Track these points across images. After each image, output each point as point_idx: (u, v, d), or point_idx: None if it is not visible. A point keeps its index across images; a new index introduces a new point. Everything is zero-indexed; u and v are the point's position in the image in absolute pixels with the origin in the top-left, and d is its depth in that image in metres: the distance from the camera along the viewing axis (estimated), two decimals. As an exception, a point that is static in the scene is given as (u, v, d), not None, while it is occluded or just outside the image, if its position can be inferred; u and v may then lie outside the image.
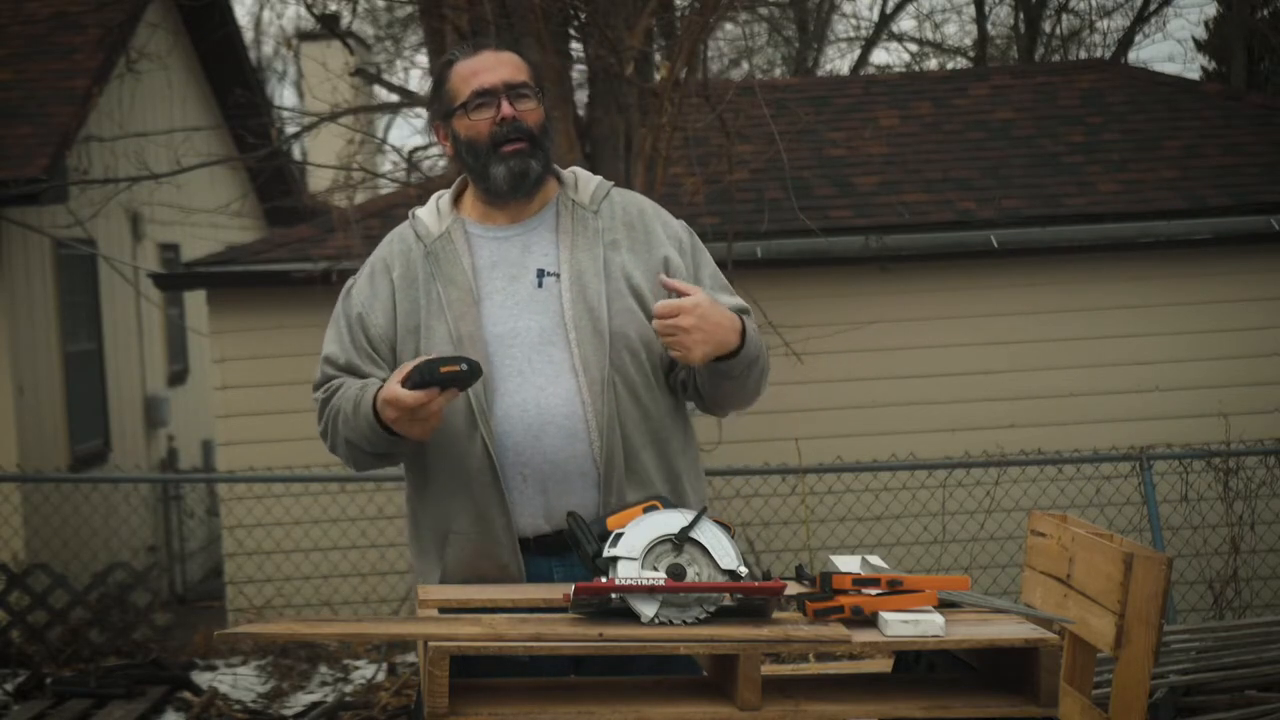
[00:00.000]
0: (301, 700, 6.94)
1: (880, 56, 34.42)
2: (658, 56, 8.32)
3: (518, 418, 2.79)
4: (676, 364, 2.86)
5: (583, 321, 2.81)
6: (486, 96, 2.85)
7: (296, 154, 17.81)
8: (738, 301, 2.92)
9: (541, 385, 2.79)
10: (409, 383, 2.65)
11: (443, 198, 2.99)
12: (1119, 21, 20.89)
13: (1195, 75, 18.21)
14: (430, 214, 2.97)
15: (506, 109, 2.84)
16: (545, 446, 2.78)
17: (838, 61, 24.62)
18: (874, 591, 2.48)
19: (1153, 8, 17.20)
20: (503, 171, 2.85)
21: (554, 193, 2.95)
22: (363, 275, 2.97)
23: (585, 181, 2.97)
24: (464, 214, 2.95)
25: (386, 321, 2.88)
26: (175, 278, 10.82)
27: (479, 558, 2.80)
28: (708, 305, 2.70)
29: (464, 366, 2.65)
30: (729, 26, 13.25)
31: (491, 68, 2.87)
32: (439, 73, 2.97)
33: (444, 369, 2.64)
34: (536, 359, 2.81)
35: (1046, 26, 17.88)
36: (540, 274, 2.87)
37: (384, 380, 2.77)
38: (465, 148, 2.89)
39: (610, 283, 2.84)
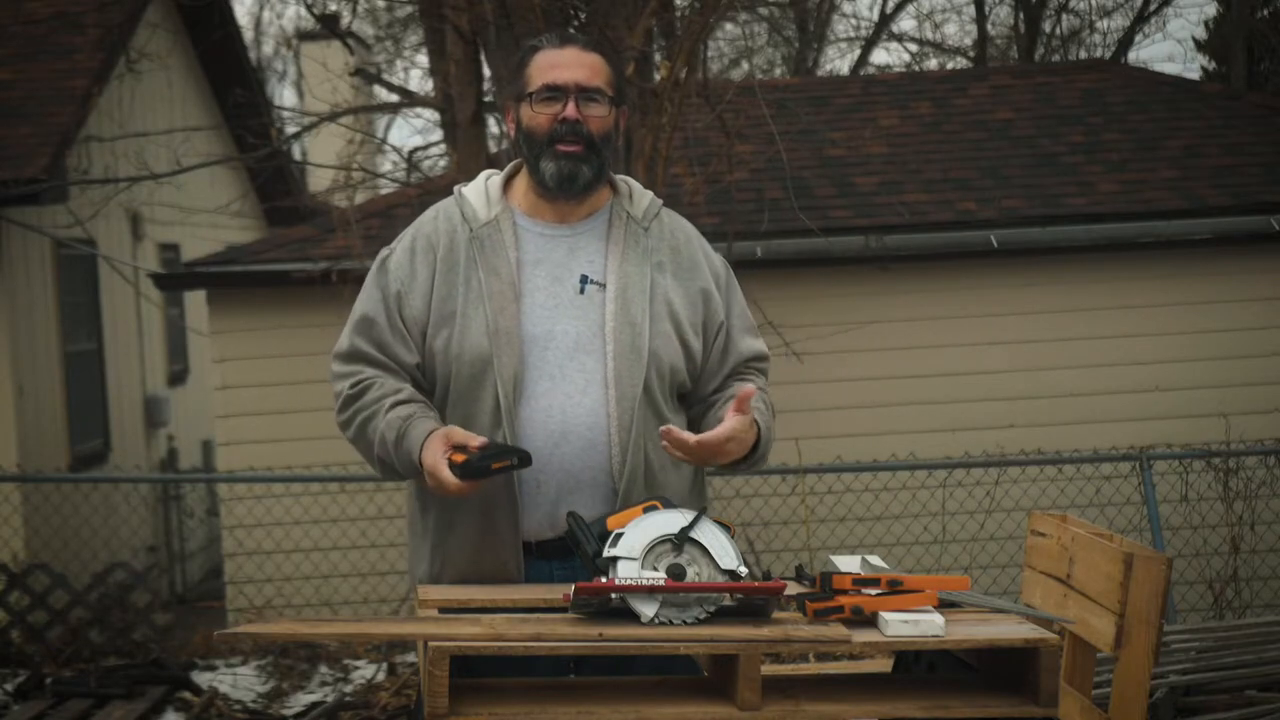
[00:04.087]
0: (301, 700, 6.93)
1: (880, 56, 34.50)
2: (658, 56, 8.31)
3: (541, 423, 2.77)
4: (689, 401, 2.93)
5: (623, 335, 2.80)
6: (556, 92, 2.82)
7: (296, 154, 17.81)
8: (760, 345, 2.96)
9: (570, 393, 2.78)
10: (459, 470, 2.64)
11: (493, 180, 2.96)
12: (1119, 21, 20.94)
13: (1195, 75, 18.21)
14: (479, 196, 2.92)
15: (571, 110, 2.81)
16: (564, 455, 2.77)
17: (838, 61, 24.66)
18: (874, 591, 2.48)
19: (1153, 8, 17.20)
20: (552, 169, 2.83)
21: (606, 199, 2.93)
22: (402, 247, 2.91)
23: (639, 196, 2.96)
24: (513, 203, 2.92)
25: (423, 304, 2.85)
26: (175, 278, 10.82)
27: (480, 553, 2.80)
28: (742, 433, 2.72)
29: (514, 461, 2.66)
30: (729, 26, 13.26)
31: (569, 64, 2.84)
32: (522, 56, 2.94)
33: (496, 465, 2.65)
34: (569, 366, 2.80)
35: (1046, 26, 17.87)
36: (584, 280, 2.85)
37: (417, 365, 2.82)
38: (524, 136, 2.87)
39: (654, 303, 2.83)
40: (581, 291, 2.84)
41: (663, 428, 2.66)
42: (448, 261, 2.85)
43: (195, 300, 11.21)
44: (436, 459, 2.67)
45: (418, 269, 2.87)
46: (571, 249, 2.87)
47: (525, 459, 2.68)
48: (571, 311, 2.82)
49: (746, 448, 2.76)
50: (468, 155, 7.80)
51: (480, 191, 2.93)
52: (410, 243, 2.91)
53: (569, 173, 2.82)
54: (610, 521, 2.56)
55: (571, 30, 7.49)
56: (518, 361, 2.77)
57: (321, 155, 13.32)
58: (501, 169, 3.02)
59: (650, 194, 2.99)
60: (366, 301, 2.90)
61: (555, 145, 2.82)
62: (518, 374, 2.77)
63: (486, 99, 8.00)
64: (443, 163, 9.17)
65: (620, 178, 2.99)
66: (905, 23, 38.37)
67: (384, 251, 2.95)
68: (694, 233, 3.00)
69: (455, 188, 2.99)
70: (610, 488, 2.78)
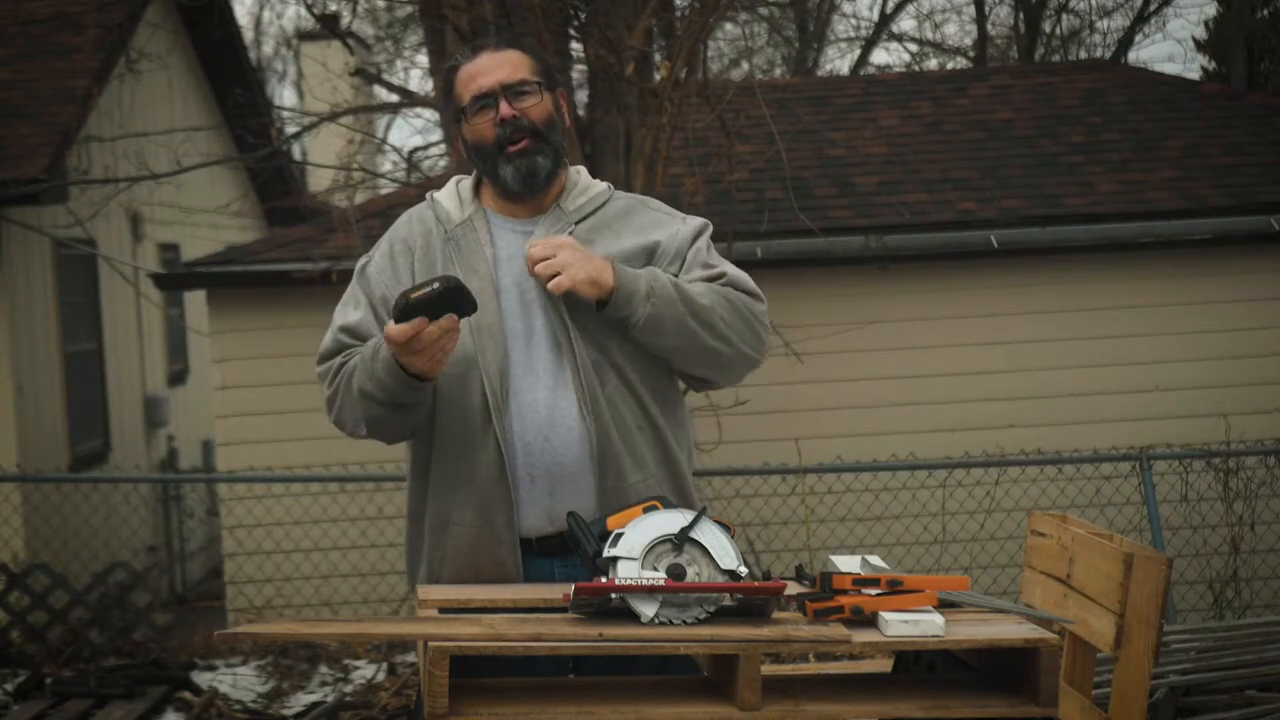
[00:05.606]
0: (301, 700, 6.93)
1: (880, 56, 34.50)
2: (658, 56, 8.31)
3: (530, 418, 2.78)
4: None
5: (565, 327, 2.80)
6: (485, 100, 2.84)
7: (296, 154, 17.81)
8: (715, 271, 2.86)
9: (553, 386, 2.79)
10: (395, 319, 2.61)
11: (463, 183, 2.97)
12: (1119, 21, 20.94)
13: (1195, 75, 18.22)
14: (451, 199, 2.95)
15: (505, 110, 2.83)
16: (555, 448, 2.77)
17: (838, 61, 24.67)
18: (874, 591, 2.48)
19: (1153, 8, 17.22)
20: (511, 172, 2.84)
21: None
22: (380, 253, 2.94)
23: (581, 190, 2.94)
24: (485, 204, 2.94)
25: None
26: (175, 278, 10.82)
27: (477, 552, 2.80)
28: (578, 246, 2.76)
29: (435, 285, 2.58)
30: (729, 26, 13.26)
31: (488, 70, 2.86)
32: (447, 82, 2.96)
33: (414, 295, 2.58)
34: (549, 358, 2.80)
35: (1046, 26, 17.89)
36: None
37: None
38: (473, 152, 2.89)
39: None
40: None
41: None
42: (425, 261, 2.88)
43: (195, 300, 11.22)
44: (386, 327, 2.66)
45: (399, 270, 2.89)
46: None
47: (450, 285, 2.58)
48: (546, 303, 2.83)
49: (604, 267, 2.73)
50: (468, 155, 7.79)
51: (452, 194, 2.96)
52: (388, 247, 2.93)
53: (528, 169, 2.84)
54: (610, 521, 2.56)
55: (573, 35, 7.51)
56: (502, 357, 2.78)
57: (321, 155, 13.33)
58: None
59: (597, 190, 2.96)
60: (353, 308, 2.91)
61: (505, 149, 2.83)
62: (503, 370, 2.78)
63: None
64: (443, 163, 9.17)
65: (574, 169, 2.98)
66: (905, 23, 38.41)
67: (362, 260, 2.97)
68: (639, 202, 2.96)
69: (428, 194, 3.00)
70: (594, 472, 2.78)
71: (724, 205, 8.15)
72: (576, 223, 2.89)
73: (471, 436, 2.79)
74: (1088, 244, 8.77)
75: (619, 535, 2.50)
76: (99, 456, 10.57)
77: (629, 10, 7.18)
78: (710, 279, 2.85)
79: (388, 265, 2.91)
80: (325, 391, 2.89)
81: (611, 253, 2.83)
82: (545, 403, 2.78)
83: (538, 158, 2.84)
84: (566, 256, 2.73)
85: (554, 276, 2.72)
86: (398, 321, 2.60)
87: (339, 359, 2.87)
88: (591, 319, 2.80)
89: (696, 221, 2.96)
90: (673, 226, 2.93)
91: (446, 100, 2.96)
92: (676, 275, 2.85)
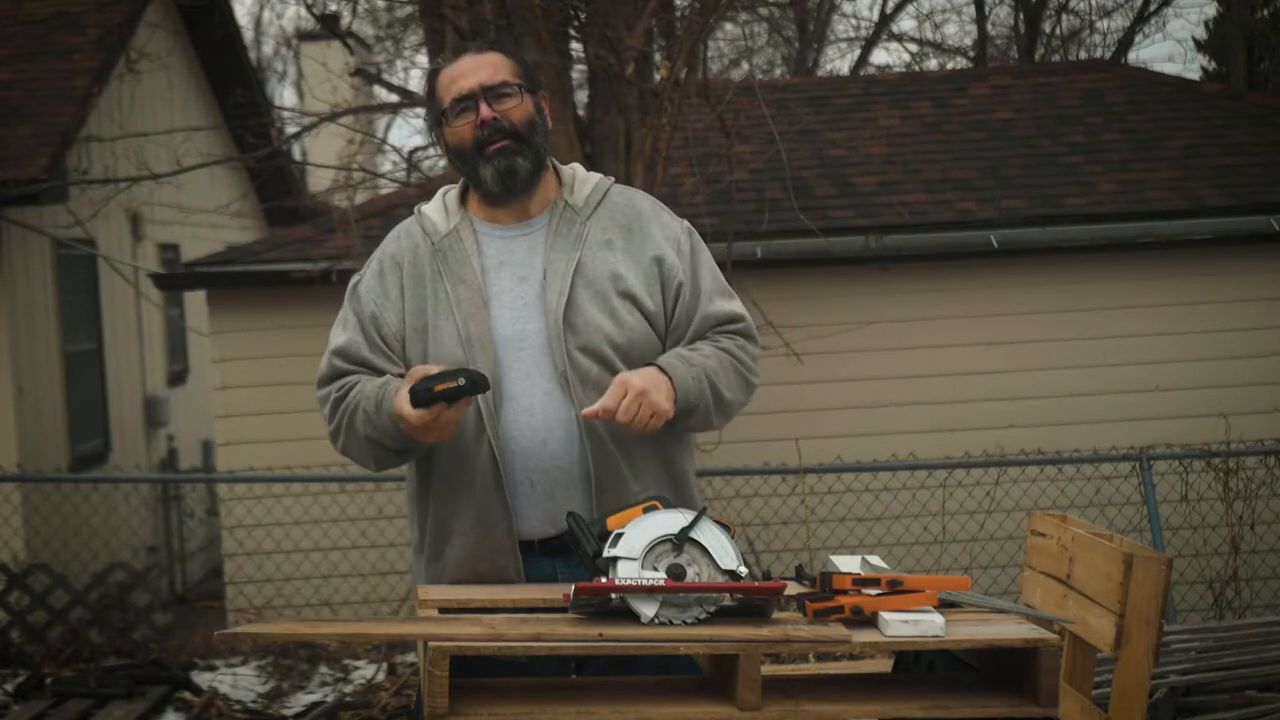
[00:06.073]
0: (301, 700, 6.93)
1: (880, 56, 34.50)
2: (658, 56, 8.31)
3: (525, 424, 2.78)
4: None
5: (555, 326, 2.80)
6: (465, 102, 2.84)
7: (296, 154, 17.81)
8: (734, 307, 2.93)
9: (548, 390, 2.79)
10: (412, 401, 2.65)
11: (450, 194, 2.97)
12: (1119, 21, 20.93)
13: (1195, 75, 18.21)
14: (437, 210, 2.94)
15: (485, 111, 2.83)
16: (552, 452, 2.78)
17: (838, 61, 24.66)
18: (874, 591, 2.49)
19: (1153, 8, 17.22)
20: (490, 172, 2.84)
21: (556, 192, 2.93)
22: (370, 272, 2.94)
23: (582, 182, 2.95)
24: (471, 212, 2.93)
25: (397, 320, 2.87)
26: (175, 278, 10.82)
27: (477, 559, 2.81)
28: (629, 373, 2.73)
29: (460, 381, 2.63)
30: (729, 26, 13.26)
31: (468, 72, 2.86)
32: (428, 85, 2.96)
33: (439, 388, 2.63)
34: (544, 363, 2.80)
35: (1046, 26, 17.89)
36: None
37: (401, 375, 2.78)
38: (454, 154, 2.89)
39: (586, 287, 2.81)
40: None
41: (584, 411, 2.71)
42: (414, 276, 2.88)
43: (195, 300, 11.22)
44: (399, 402, 2.69)
45: (388, 287, 2.89)
46: (531, 247, 2.88)
47: (474, 379, 2.65)
48: (539, 308, 2.82)
49: (659, 375, 2.75)
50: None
51: (438, 206, 2.95)
52: (378, 265, 2.94)
53: (506, 168, 2.83)
54: (610, 521, 2.56)
55: (573, 35, 7.51)
56: (493, 366, 2.78)
57: (321, 155, 13.33)
58: None
59: (596, 178, 2.97)
60: (342, 329, 2.93)
61: (484, 149, 2.83)
62: (495, 378, 2.77)
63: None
64: (442, 163, 9.17)
65: (567, 167, 2.98)
66: (905, 23, 38.41)
67: (354, 278, 2.98)
68: (648, 205, 2.97)
69: (416, 207, 3.00)
70: (588, 476, 2.78)
71: (724, 205, 8.15)
72: (589, 216, 2.88)
73: (467, 447, 2.79)
74: (1088, 244, 8.77)
75: (619, 535, 2.50)
76: (99, 456, 10.57)
77: (629, 10, 7.18)
78: (729, 320, 2.90)
79: (377, 284, 2.91)
80: (328, 423, 2.91)
81: (621, 272, 2.83)
82: (541, 407, 2.79)
83: (517, 158, 2.83)
84: (651, 399, 2.70)
85: (649, 417, 2.71)
86: (415, 406, 2.64)
87: (336, 390, 2.88)
88: (585, 322, 2.80)
89: (688, 230, 2.97)
90: (673, 231, 2.93)
91: (429, 106, 2.96)
92: (687, 289, 2.87)
